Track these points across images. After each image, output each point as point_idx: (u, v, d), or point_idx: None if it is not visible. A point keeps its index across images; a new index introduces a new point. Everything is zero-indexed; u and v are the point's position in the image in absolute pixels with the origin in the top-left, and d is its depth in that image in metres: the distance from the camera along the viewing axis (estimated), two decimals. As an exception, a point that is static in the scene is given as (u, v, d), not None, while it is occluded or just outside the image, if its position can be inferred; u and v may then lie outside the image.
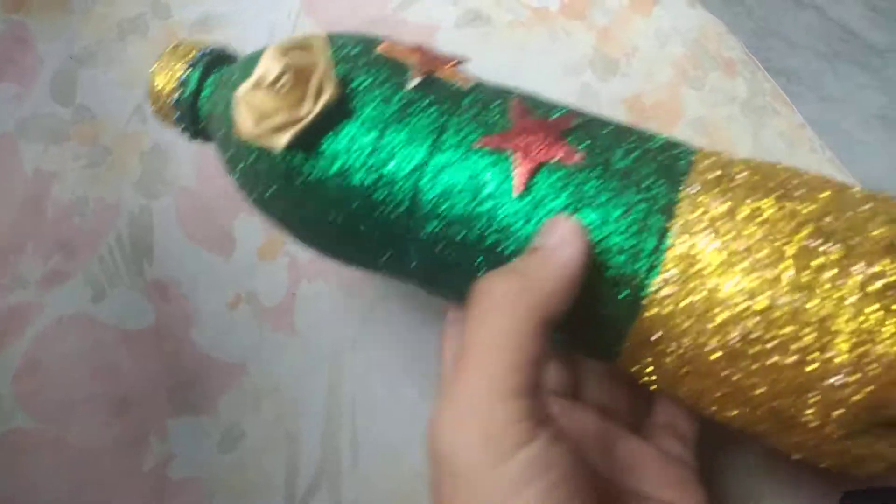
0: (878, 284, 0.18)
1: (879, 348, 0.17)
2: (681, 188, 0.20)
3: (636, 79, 0.43)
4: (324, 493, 0.30)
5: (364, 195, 0.22)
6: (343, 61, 0.23)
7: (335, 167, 0.22)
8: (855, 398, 0.18)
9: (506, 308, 0.18)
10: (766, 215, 0.19)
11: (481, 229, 0.21)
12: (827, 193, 0.20)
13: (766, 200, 0.19)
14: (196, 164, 0.36)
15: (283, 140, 0.21)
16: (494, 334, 0.18)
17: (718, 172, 0.21)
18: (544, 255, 0.19)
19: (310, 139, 0.21)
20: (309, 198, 0.22)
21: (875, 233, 0.18)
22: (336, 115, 0.21)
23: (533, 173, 0.21)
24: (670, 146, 0.22)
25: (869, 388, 0.17)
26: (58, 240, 0.34)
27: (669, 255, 0.20)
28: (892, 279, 0.18)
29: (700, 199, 0.20)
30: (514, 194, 0.21)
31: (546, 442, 0.17)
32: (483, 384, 0.17)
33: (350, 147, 0.22)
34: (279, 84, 0.21)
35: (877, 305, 0.17)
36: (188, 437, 0.31)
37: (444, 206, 0.21)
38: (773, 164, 0.22)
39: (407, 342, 0.31)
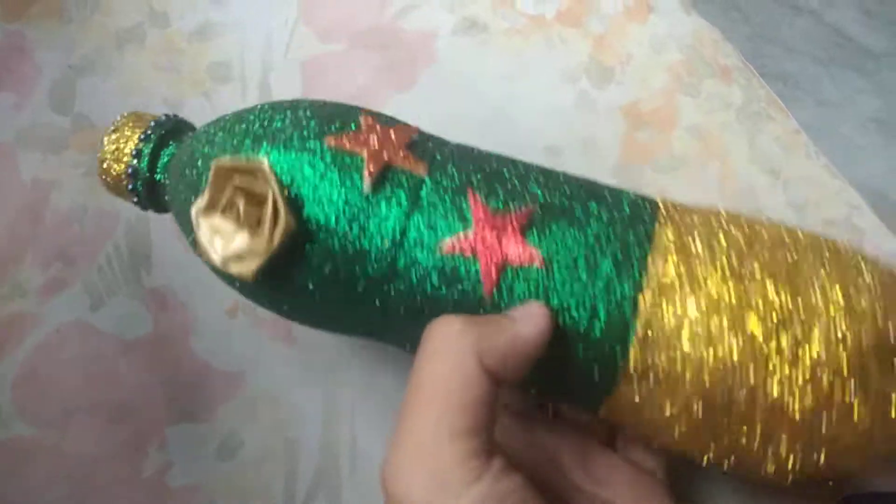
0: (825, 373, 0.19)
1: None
2: (642, 272, 0.21)
3: (632, 86, 0.43)
4: (322, 501, 0.30)
5: (338, 300, 0.22)
6: (296, 165, 0.22)
7: (304, 282, 0.22)
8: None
9: (454, 347, 0.18)
10: (722, 295, 0.20)
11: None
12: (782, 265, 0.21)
13: (721, 279, 0.20)
14: (194, 172, 0.37)
15: (250, 272, 0.20)
16: (442, 373, 0.18)
17: (679, 245, 0.21)
18: (504, 319, 0.20)
19: (275, 268, 0.21)
20: (280, 299, 0.23)
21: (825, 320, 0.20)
22: (297, 239, 0.21)
23: (499, 273, 0.21)
24: (632, 220, 0.22)
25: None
26: (56, 249, 0.34)
27: (639, 329, 0.21)
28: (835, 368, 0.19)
29: (662, 272, 0.21)
30: (486, 295, 0.21)
31: (494, 477, 0.17)
32: (430, 425, 0.17)
33: (315, 264, 0.22)
34: (233, 209, 0.21)
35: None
36: (186, 445, 0.31)
37: (415, 298, 0.22)
38: (732, 232, 0.22)
39: (405, 351, 0.32)
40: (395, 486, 0.17)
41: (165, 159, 0.25)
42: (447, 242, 0.21)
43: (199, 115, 0.39)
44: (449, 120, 0.42)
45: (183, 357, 0.32)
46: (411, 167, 0.22)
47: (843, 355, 0.19)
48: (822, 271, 0.20)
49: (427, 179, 0.22)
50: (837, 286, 0.20)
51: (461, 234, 0.21)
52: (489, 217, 0.21)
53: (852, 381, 0.19)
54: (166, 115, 0.26)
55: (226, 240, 0.21)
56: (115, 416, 0.31)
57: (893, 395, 0.20)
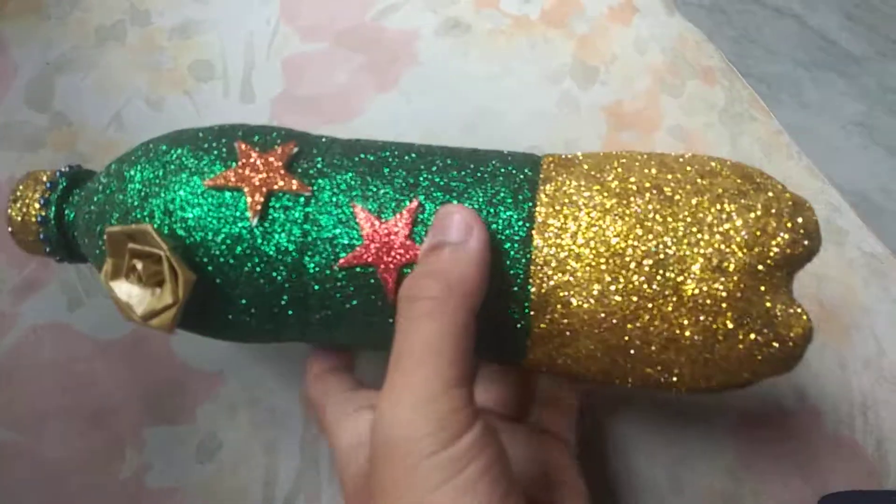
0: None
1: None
2: (538, 177, 0.23)
3: (615, 87, 0.43)
4: (302, 503, 0.30)
5: (260, 323, 0.24)
6: (181, 219, 0.22)
7: (224, 316, 0.23)
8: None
9: (435, 313, 0.19)
10: (611, 245, 0.21)
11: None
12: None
13: (604, 233, 0.22)
14: (174, 171, 0.36)
15: (168, 325, 0.21)
16: (429, 337, 0.19)
17: (563, 164, 0.23)
18: (455, 250, 0.21)
19: (192, 313, 0.22)
20: (212, 331, 0.25)
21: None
22: (204, 284, 0.22)
23: (398, 276, 0.22)
24: (516, 183, 0.23)
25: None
26: (33, 248, 0.33)
27: (540, 231, 0.22)
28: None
29: (554, 183, 0.23)
30: (390, 298, 0.22)
31: (483, 427, 0.19)
32: (426, 381, 0.19)
33: (228, 298, 0.23)
34: (134, 271, 0.22)
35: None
36: (165, 447, 0.31)
37: (325, 311, 0.23)
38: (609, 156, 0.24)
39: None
40: (395, 430, 0.18)
41: (72, 212, 0.25)
42: (342, 259, 0.22)
43: (181, 112, 0.39)
44: (431, 120, 0.41)
45: (162, 358, 0.32)
46: (293, 188, 0.22)
47: (720, 287, 0.20)
48: (698, 199, 0.21)
49: (311, 198, 0.23)
50: (712, 213, 0.21)
51: (355, 248, 0.22)
52: (377, 225, 0.22)
53: (730, 311, 0.20)
54: (66, 169, 0.26)
55: (137, 300, 0.22)
56: (93, 419, 0.31)
57: (778, 307, 0.21)
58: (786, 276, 0.21)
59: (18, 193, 0.25)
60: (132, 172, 0.24)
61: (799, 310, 0.21)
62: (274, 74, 0.41)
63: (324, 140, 0.25)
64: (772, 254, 0.21)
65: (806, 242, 0.21)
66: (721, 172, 0.23)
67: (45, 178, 0.26)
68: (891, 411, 0.34)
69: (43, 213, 0.25)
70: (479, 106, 0.42)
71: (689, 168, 0.23)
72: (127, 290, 0.22)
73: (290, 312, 0.23)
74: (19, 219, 0.25)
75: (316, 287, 0.22)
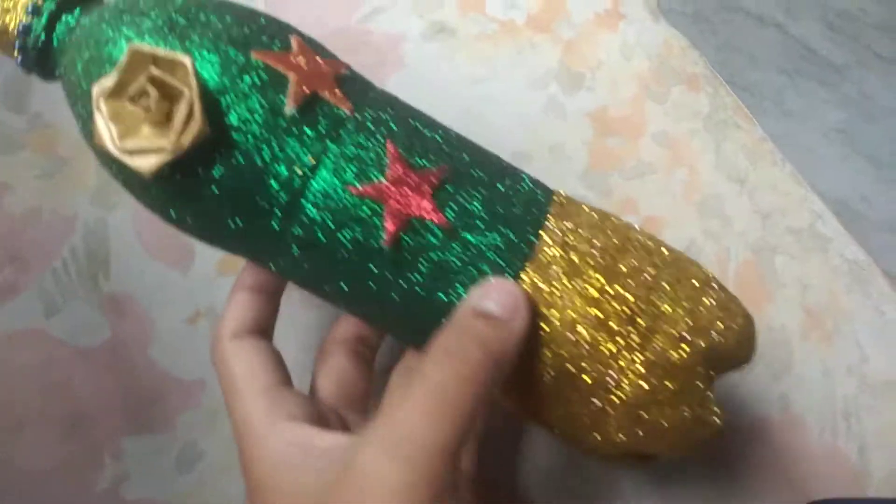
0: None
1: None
2: (529, 251, 0.23)
3: (601, 92, 0.43)
4: (285, 513, 0.30)
5: (231, 216, 0.22)
6: (218, 71, 0.21)
7: (202, 191, 0.21)
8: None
9: (469, 377, 0.20)
10: (593, 292, 0.22)
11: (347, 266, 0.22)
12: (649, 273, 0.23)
13: (595, 277, 0.23)
14: (155, 175, 0.36)
15: (149, 168, 0.19)
16: (452, 396, 0.19)
17: (562, 240, 0.23)
18: (501, 327, 0.21)
19: (174, 171, 0.20)
20: (171, 203, 0.22)
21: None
22: (205, 146, 0.20)
23: (402, 227, 0.22)
24: (529, 202, 0.24)
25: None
26: (9, 252, 0.33)
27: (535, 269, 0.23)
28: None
29: (545, 254, 0.23)
30: (385, 245, 0.21)
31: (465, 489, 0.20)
32: (426, 429, 0.19)
33: (217, 174, 0.21)
34: (143, 98, 0.20)
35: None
36: (144, 457, 0.30)
37: (312, 233, 0.22)
38: (609, 233, 0.24)
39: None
40: (371, 467, 0.18)
41: (65, 24, 0.23)
42: (357, 185, 0.21)
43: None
44: (418, 124, 0.41)
45: (141, 365, 0.31)
46: (337, 102, 0.22)
47: (676, 358, 0.22)
48: (676, 284, 0.23)
49: (350, 118, 0.22)
50: (684, 300, 0.23)
51: (373, 181, 0.21)
52: (404, 169, 0.22)
53: (678, 380, 0.22)
54: None
55: (128, 129, 0.19)
56: (70, 427, 0.30)
57: (708, 394, 0.23)
58: (717, 370, 0.23)
59: None
60: (173, 5, 0.22)
61: (717, 409, 0.23)
62: (258, 78, 0.41)
63: (366, 81, 0.25)
64: (723, 345, 0.23)
65: (746, 351, 0.24)
66: (693, 267, 0.25)
67: None
68: (874, 417, 0.34)
69: (27, 21, 0.23)
70: (466, 109, 0.42)
71: (665, 251, 0.25)
72: (121, 112, 0.19)
73: (275, 214, 0.21)
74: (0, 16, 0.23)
75: (312, 201, 0.21)
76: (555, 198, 0.24)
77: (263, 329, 0.25)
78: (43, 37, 0.23)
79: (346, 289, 0.23)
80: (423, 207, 0.21)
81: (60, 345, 0.31)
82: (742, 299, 0.25)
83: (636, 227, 0.25)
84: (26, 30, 0.23)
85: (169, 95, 0.19)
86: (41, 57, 0.24)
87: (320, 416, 0.23)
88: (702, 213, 0.40)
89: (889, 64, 1.14)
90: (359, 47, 0.43)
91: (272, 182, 0.21)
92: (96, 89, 0.20)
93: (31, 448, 0.30)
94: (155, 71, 0.19)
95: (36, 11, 0.23)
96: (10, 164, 0.35)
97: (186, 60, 0.19)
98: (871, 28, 1.21)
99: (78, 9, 0.23)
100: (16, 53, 0.23)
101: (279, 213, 0.21)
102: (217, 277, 0.34)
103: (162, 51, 0.20)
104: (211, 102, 0.20)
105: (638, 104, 0.43)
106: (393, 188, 0.21)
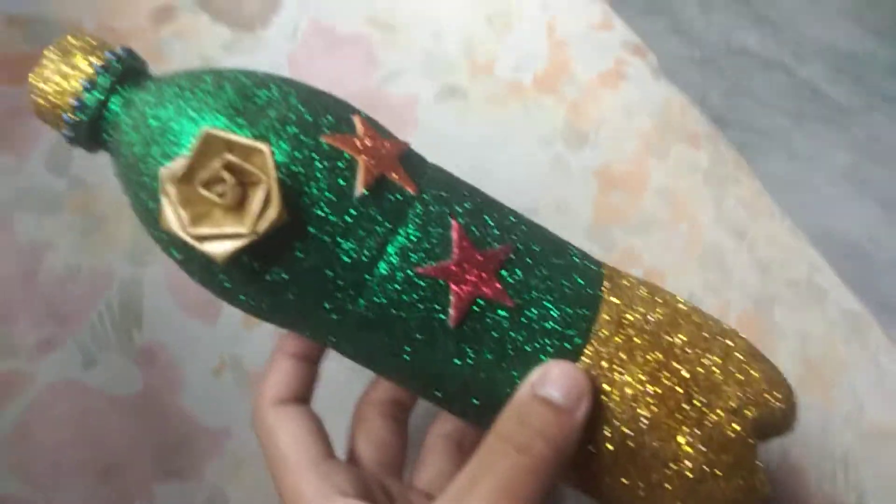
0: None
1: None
2: (589, 328, 0.23)
3: (605, 150, 0.45)
4: (304, 557, 0.31)
5: (297, 300, 0.22)
6: (288, 155, 0.21)
7: (270, 276, 0.21)
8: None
9: (531, 469, 0.20)
10: (651, 369, 0.23)
11: (409, 341, 0.23)
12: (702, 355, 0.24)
13: (653, 354, 0.23)
14: (185, 233, 0.38)
15: (224, 255, 0.19)
16: (514, 485, 0.20)
17: (617, 320, 0.24)
18: (564, 416, 0.21)
19: (252, 259, 0.21)
20: (238, 287, 0.22)
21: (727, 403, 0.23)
22: (282, 233, 0.20)
23: (468, 306, 0.22)
24: (586, 280, 0.24)
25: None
26: (50, 308, 0.35)
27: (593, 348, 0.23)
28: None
29: (603, 331, 0.23)
30: (451, 325, 0.22)
31: None
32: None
33: (286, 259, 0.21)
34: (216, 186, 0.19)
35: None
36: (173, 503, 0.32)
37: (378, 312, 0.22)
38: (659, 310, 0.24)
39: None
40: None
41: (119, 100, 0.23)
42: (423, 266, 0.21)
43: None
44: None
45: (171, 414, 0.33)
46: (402, 182, 0.22)
47: (731, 432, 0.22)
48: (725, 358, 0.24)
49: (415, 199, 0.22)
50: (735, 373, 0.23)
51: (439, 261, 0.22)
52: (469, 249, 0.22)
53: (733, 452, 0.22)
54: (125, 50, 0.23)
55: (199, 214, 0.19)
56: (104, 474, 0.32)
57: (759, 464, 0.23)
58: (762, 438, 0.24)
59: (66, 48, 0.22)
60: (233, 86, 0.22)
61: (764, 476, 0.24)
62: (281, 139, 0.43)
63: (424, 159, 0.25)
64: (771, 415, 0.23)
65: (790, 420, 0.24)
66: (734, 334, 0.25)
67: (94, 59, 0.22)
68: (871, 467, 0.35)
69: (81, 97, 0.22)
70: (476, 167, 0.44)
71: (712, 324, 0.25)
72: (192, 197, 0.19)
73: (340, 293, 0.22)
74: (49, 93, 0.22)
75: (378, 281, 0.21)
76: (604, 271, 0.25)
77: (304, 395, 0.26)
78: (95, 114, 0.23)
79: (404, 365, 0.23)
80: (489, 287, 0.22)
81: (96, 395, 0.33)
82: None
83: (679, 297, 0.26)
84: (80, 106, 0.22)
85: (243, 181, 0.19)
86: (91, 132, 0.23)
87: (366, 488, 0.23)
88: (703, 266, 0.42)
89: (896, 105, 1.16)
90: (378, 108, 0.45)
91: (339, 262, 0.21)
92: (165, 173, 0.19)
93: (67, 493, 0.32)
94: (231, 157, 0.19)
95: (91, 87, 0.22)
96: (52, 224, 0.38)
97: (265, 148, 0.19)
98: (879, 70, 1.23)
99: (133, 84, 0.23)
100: (65, 128, 0.23)
101: (345, 293, 0.22)
102: (242, 330, 0.36)
103: (237, 137, 0.19)
104: (284, 187, 0.20)
105: (640, 160, 0.45)
106: (459, 268, 0.22)
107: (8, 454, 0.32)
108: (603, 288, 0.24)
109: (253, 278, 0.21)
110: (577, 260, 0.25)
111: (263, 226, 0.19)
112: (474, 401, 0.23)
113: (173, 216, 0.19)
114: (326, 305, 0.22)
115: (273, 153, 0.20)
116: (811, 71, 1.21)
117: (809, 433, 0.36)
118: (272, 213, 0.19)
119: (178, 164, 0.19)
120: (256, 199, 0.19)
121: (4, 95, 0.41)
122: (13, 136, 0.40)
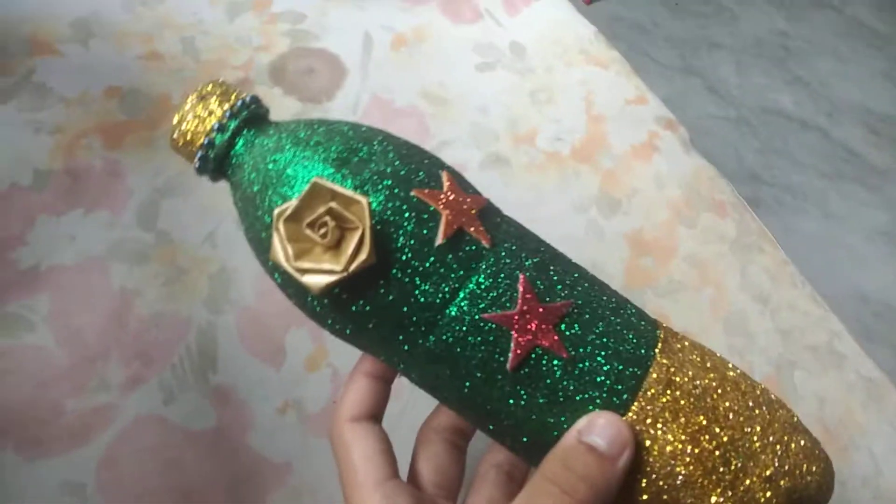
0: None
1: None
2: (638, 386, 0.25)
3: (636, 217, 0.49)
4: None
5: (377, 333, 0.25)
6: (382, 205, 0.24)
7: (356, 309, 0.24)
8: None
9: None
10: (693, 430, 0.24)
11: (471, 381, 0.25)
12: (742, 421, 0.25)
13: (696, 418, 0.25)
14: (255, 285, 0.43)
15: (320, 287, 0.22)
16: None
17: (664, 387, 0.25)
18: (607, 464, 0.23)
19: (339, 290, 0.24)
20: (328, 314, 0.26)
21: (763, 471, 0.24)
22: (369, 272, 0.23)
23: (527, 354, 0.24)
24: (639, 338, 0.26)
25: None
26: (137, 349, 0.40)
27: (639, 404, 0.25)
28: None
29: (652, 391, 0.25)
30: (509, 369, 0.24)
31: None
32: None
33: (371, 297, 0.24)
34: (320, 226, 0.23)
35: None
36: (239, 529, 0.36)
37: (444, 350, 0.24)
38: (708, 387, 0.26)
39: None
40: None
41: (244, 141, 0.27)
42: (490, 312, 0.24)
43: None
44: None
45: (240, 449, 0.37)
46: (478, 235, 0.25)
47: (762, 499, 0.24)
48: (767, 427, 0.25)
49: (488, 251, 0.25)
50: (774, 442, 0.25)
51: (504, 310, 0.24)
52: (532, 302, 0.24)
53: None
54: (252, 98, 0.27)
55: (304, 251, 0.22)
56: (182, 500, 0.36)
57: None
58: None
59: (204, 94, 0.26)
60: (341, 138, 0.25)
61: None
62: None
63: (500, 213, 0.28)
64: (806, 488, 0.25)
65: (826, 495, 0.25)
66: (780, 405, 0.27)
67: (226, 105, 0.26)
68: (886, 528, 0.37)
69: (212, 137, 0.26)
70: (517, 232, 0.48)
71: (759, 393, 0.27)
72: (298, 235, 0.23)
73: (415, 328, 0.24)
74: (187, 132, 0.26)
75: (448, 322, 0.24)
76: (660, 332, 0.26)
77: (377, 414, 0.28)
78: (222, 152, 0.26)
79: (464, 398, 0.25)
80: (547, 338, 0.24)
81: (176, 429, 0.38)
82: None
83: (730, 363, 0.27)
84: (210, 144, 0.26)
85: (342, 225, 0.23)
86: (217, 166, 0.27)
87: None
88: (727, 330, 0.44)
89: (932, 167, 1.17)
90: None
91: (416, 302, 0.24)
92: (277, 212, 0.23)
93: (146, 516, 0.36)
94: (334, 205, 0.22)
95: (221, 129, 0.26)
96: (141, 274, 0.43)
97: (364, 201, 0.22)
98: (914, 132, 1.25)
99: (255, 129, 0.27)
100: (196, 161, 0.27)
101: (417, 329, 0.24)
102: (305, 373, 0.40)
103: (341, 188, 0.23)
104: (376, 233, 0.23)
105: (670, 228, 0.49)
106: (521, 318, 0.24)
107: (99, 479, 0.36)
108: (656, 349, 0.26)
109: (340, 307, 0.25)
110: (635, 320, 0.27)
111: (355, 265, 0.22)
112: (524, 439, 0.25)
113: (281, 250, 0.23)
114: (400, 337, 0.25)
115: (370, 203, 0.23)
116: (845, 132, 1.23)
117: (825, 492, 0.38)
118: (363, 255, 0.22)
119: (289, 206, 0.23)
120: (352, 243, 0.22)
121: (103, 158, 0.47)
122: (110, 194, 0.46)
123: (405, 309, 0.24)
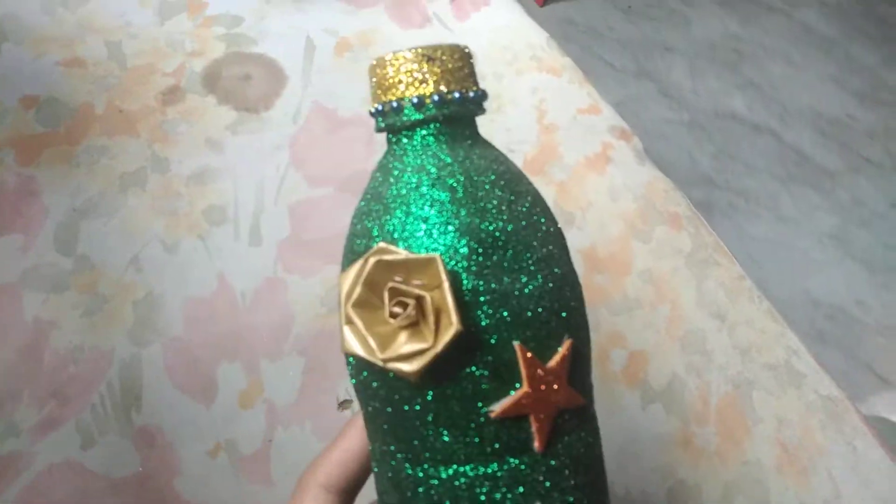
0: None
1: None
2: None
3: (590, 231, 0.47)
4: None
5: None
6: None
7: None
8: None
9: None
10: None
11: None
12: None
13: None
14: (184, 312, 0.39)
15: (415, 372, 0.19)
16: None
17: None
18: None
19: (437, 367, 0.19)
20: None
21: None
22: (460, 342, 0.19)
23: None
24: None
25: None
26: (52, 388, 0.36)
27: None
28: None
29: None
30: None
31: None
32: None
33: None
34: (396, 312, 0.19)
35: None
36: (164, 586, 0.32)
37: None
38: None
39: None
40: None
41: (412, 135, 0.22)
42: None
43: (194, 255, 0.43)
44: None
45: (167, 497, 0.34)
46: (538, 434, 0.20)
47: None
48: None
49: (537, 455, 0.21)
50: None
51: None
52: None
53: None
54: (477, 92, 0.22)
55: (385, 340, 0.19)
56: (98, 556, 0.33)
57: None
58: None
59: (431, 55, 0.21)
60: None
61: None
62: (281, 218, 0.45)
63: (592, 426, 0.23)
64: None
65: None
66: None
67: (442, 86, 0.22)
68: (847, 555, 0.36)
69: (404, 104, 0.21)
70: (467, 249, 0.46)
71: None
72: (373, 323, 0.19)
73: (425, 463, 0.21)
74: (400, 75, 0.21)
75: (449, 478, 0.20)
76: None
77: (352, 490, 0.25)
78: (404, 124, 0.22)
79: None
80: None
81: (95, 477, 0.34)
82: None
83: None
84: (398, 108, 0.22)
85: (401, 299, 0.19)
86: (390, 131, 0.23)
87: None
88: (684, 348, 0.43)
89: (878, 168, 1.19)
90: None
91: (438, 438, 0.20)
92: (345, 294, 0.20)
93: (61, 574, 0.32)
94: (396, 285, 0.19)
95: (419, 104, 0.22)
96: (58, 303, 0.39)
97: (437, 258, 0.19)
98: (861, 134, 1.27)
99: (447, 130, 0.22)
100: (376, 106, 0.23)
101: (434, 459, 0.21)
102: (238, 410, 0.37)
103: (410, 255, 0.19)
104: (457, 291, 0.20)
105: (624, 243, 0.47)
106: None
107: (6, 536, 0.33)
108: None
109: (436, 377, 0.20)
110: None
111: (442, 339, 0.19)
112: None
113: (361, 346, 0.19)
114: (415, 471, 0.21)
115: (445, 266, 0.19)
116: (797, 135, 1.24)
117: (787, 520, 0.37)
118: (453, 329, 0.19)
119: (355, 292, 0.19)
120: (429, 310, 0.19)
121: (17, 175, 0.43)
122: (24, 214, 0.42)
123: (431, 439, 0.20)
